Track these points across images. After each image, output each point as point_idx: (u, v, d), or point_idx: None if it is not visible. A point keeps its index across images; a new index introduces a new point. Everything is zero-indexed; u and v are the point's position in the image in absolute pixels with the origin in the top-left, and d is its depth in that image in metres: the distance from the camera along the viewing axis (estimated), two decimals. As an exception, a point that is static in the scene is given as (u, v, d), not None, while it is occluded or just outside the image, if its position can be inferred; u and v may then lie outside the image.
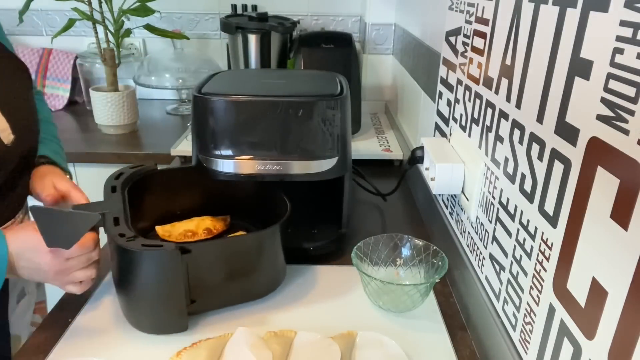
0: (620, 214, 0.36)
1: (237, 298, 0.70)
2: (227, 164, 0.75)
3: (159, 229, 0.82)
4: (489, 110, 0.63)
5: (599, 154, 0.38)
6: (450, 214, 0.82)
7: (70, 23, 1.30)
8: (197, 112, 0.75)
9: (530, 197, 0.51)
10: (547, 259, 0.47)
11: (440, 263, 0.71)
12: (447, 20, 0.84)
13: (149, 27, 1.39)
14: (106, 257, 0.67)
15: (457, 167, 0.72)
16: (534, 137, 0.51)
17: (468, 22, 0.72)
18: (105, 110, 1.38)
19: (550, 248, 0.47)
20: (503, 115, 0.59)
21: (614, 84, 0.36)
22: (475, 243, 0.69)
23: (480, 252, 0.67)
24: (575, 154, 0.42)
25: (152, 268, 0.61)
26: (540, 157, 0.49)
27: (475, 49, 0.69)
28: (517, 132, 0.55)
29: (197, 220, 0.83)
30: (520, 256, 0.53)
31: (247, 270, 0.69)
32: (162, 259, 0.60)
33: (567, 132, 0.44)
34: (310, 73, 0.96)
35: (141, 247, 0.59)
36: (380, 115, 1.58)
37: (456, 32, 0.78)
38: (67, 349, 0.62)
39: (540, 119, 0.49)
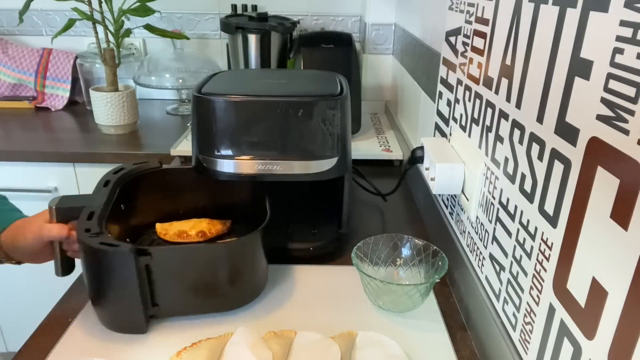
0: (620, 214, 0.36)
1: (206, 307, 0.68)
2: (227, 164, 0.75)
3: (158, 226, 0.82)
4: (489, 110, 0.63)
5: (599, 154, 0.38)
6: (450, 214, 0.82)
7: (70, 23, 1.30)
8: (197, 112, 0.75)
9: (530, 197, 0.51)
10: (547, 259, 0.47)
11: (440, 263, 0.71)
12: (447, 20, 0.84)
13: (149, 27, 1.39)
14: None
15: (457, 167, 0.72)
16: (534, 137, 0.51)
17: (468, 22, 0.72)
18: (105, 110, 1.38)
19: (550, 248, 0.47)
20: (503, 115, 0.59)
21: (614, 84, 0.36)
22: (475, 243, 0.69)
23: (480, 252, 0.67)
24: (575, 154, 0.42)
25: (108, 266, 0.61)
26: (540, 157, 0.49)
27: (475, 49, 0.69)
28: (517, 132, 0.55)
29: (194, 222, 0.83)
30: (520, 256, 0.53)
31: (216, 281, 0.66)
32: (117, 258, 0.60)
33: (567, 132, 0.44)
34: (310, 73, 0.96)
35: (98, 245, 0.59)
36: (380, 115, 1.58)
37: (456, 32, 0.78)
38: (67, 349, 0.62)
39: (540, 119, 0.49)
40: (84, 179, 1.31)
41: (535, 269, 0.50)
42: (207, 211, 0.85)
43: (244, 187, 0.84)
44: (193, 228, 0.81)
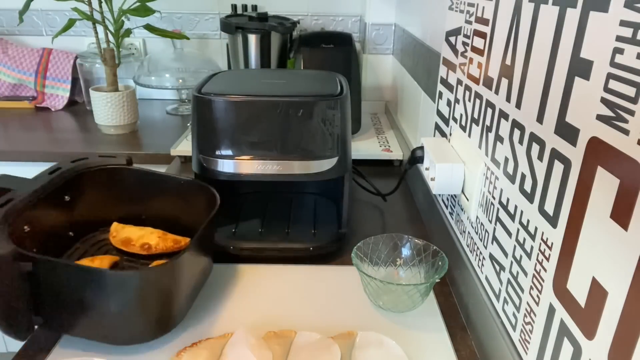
0: (620, 214, 0.36)
1: (97, 335, 0.60)
2: (227, 164, 0.75)
3: (113, 226, 0.78)
4: (489, 110, 0.63)
5: (599, 154, 0.38)
6: (450, 214, 0.82)
7: (70, 23, 1.30)
8: (197, 112, 0.75)
9: (530, 197, 0.51)
10: (547, 259, 0.47)
11: (440, 263, 0.71)
12: (447, 20, 0.84)
13: (149, 27, 1.39)
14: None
15: (457, 167, 0.72)
16: (534, 137, 0.51)
17: (468, 22, 0.72)
18: (105, 110, 1.38)
19: (550, 248, 0.47)
20: (503, 115, 0.59)
21: (614, 84, 0.36)
22: (475, 243, 0.69)
23: (480, 252, 0.67)
24: (575, 154, 0.42)
25: None
26: (540, 157, 0.49)
27: (475, 49, 0.69)
28: (517, 132, 0.55)
29: (146, 231, 0.77)
30: (520, 256, 0.53)
31: (102, 309, 0.58)
32: None
33: (567, 132, 0.44)
34: (310, 73, 0.96)
35: None
36: (380, 115, 1.58)
37: (456, 32, 0.78)
38: (67, 348, 0.62)
39: (540, 119, 0.49)
40: (84, 179, 1.31)
41: (535, 269, 0.50)
42: (172, 223, 0.79)
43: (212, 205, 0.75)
44: (141, 238, 0.75)
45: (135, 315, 0.60)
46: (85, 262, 0.71)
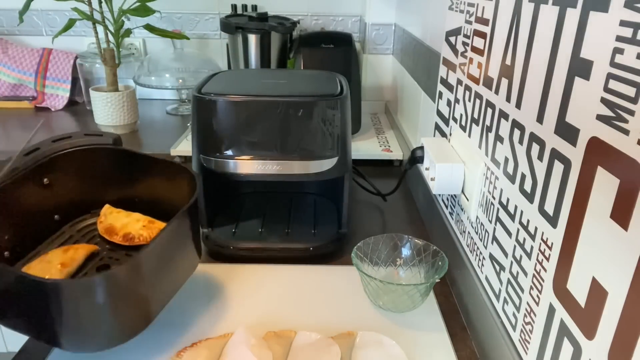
0: (620, 214, 0.36)
1: (47, 338, 0.54)
2: (227, 164, 0.75)
3: (104, 209, 0.74)
4: (489, 110, 0.63)
5: (599, 154, 0.39)
6: (450, 214, 0.82)
7: (70, 23, 1.30)
8: (197, 112, 0.75)
9: (530, 197, 0.51)
10: (547, 259, 0.47)
11: (440, 263, 0.71)
12: (447, 20, 0.84)
13: (149, 27, 1.39)
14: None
15: (457, 167, 0.72)
16: (534, 137, 0.51)
17: (468, 22, 0.72)
18: (105, 110, 1.38)
19: (550, 248, 0.47)
20: (503, 115, 0.59)
21: (614, 84, 0.36)
22: (475, 243, 0.69)
23: (480, 252, 0.67)
24: (575, 154, 0.42)
25: None
26: (540, 157, 0.49)
27: (475, 49, 0.69)
28: (517, 132, 0.55)
29: (131, 220, 0.72)
30: (520, 256, 0.53)
31: (46, 318, 0.52)
32: None
33: (567, 132, 0.44)
34: (310, 73, 0.96)
35: None
36: (380, 115, 1.58)
37: (456, 32, 0.78)
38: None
39: (540, 119, 0.49)
40: (84, 179, 1.31)
41: (535, 269, 0.50)
42: (164, 207, 0.72)
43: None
44: (125, 227, 0.71)
45: (78, 325, 0.53)
46: (58, 252, 0.67)
